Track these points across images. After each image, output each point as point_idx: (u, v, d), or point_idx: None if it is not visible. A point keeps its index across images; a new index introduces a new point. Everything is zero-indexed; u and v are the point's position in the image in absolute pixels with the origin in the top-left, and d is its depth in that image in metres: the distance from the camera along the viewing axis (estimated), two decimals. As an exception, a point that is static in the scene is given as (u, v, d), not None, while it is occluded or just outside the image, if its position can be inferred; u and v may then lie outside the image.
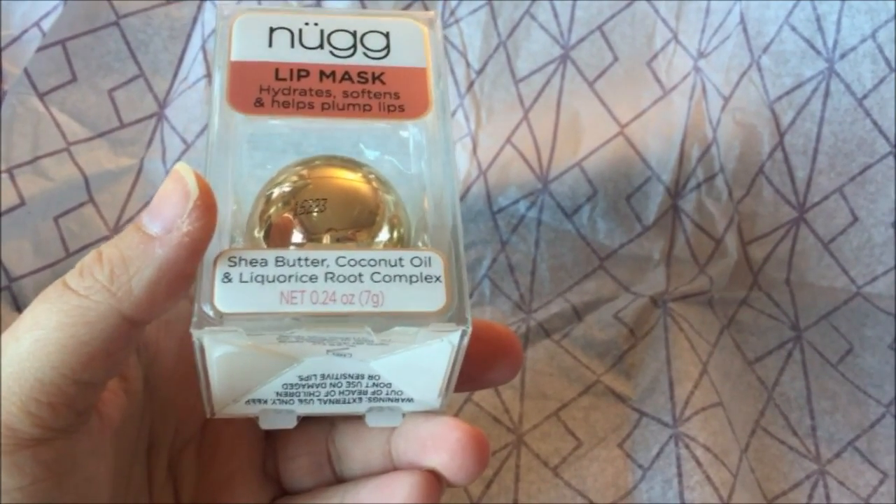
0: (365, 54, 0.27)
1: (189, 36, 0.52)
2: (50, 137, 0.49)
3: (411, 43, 0.27)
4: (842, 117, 0.50)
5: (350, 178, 0.26)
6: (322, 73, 0.26)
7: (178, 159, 0.51)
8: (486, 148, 0.52)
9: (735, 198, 0.52)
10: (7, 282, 0.46)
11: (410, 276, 0.23)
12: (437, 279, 0.23)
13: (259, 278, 0.22)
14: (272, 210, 0.25)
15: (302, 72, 0.26)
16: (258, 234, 0.25)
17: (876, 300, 0.51)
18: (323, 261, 0.23)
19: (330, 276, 0.23)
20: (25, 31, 0.50)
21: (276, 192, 0.26)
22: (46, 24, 0.50)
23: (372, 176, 0.27)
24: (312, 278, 0.22)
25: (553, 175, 0.52)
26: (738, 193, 0.52)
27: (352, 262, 0.23)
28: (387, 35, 0.27)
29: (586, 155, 0.52)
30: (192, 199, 0.22)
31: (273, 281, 0.22)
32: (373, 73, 0.26)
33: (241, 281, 0.22)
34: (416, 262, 0.23)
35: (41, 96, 0.50)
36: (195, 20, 0.52)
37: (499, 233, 0.53)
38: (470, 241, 0.53)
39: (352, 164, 0.27)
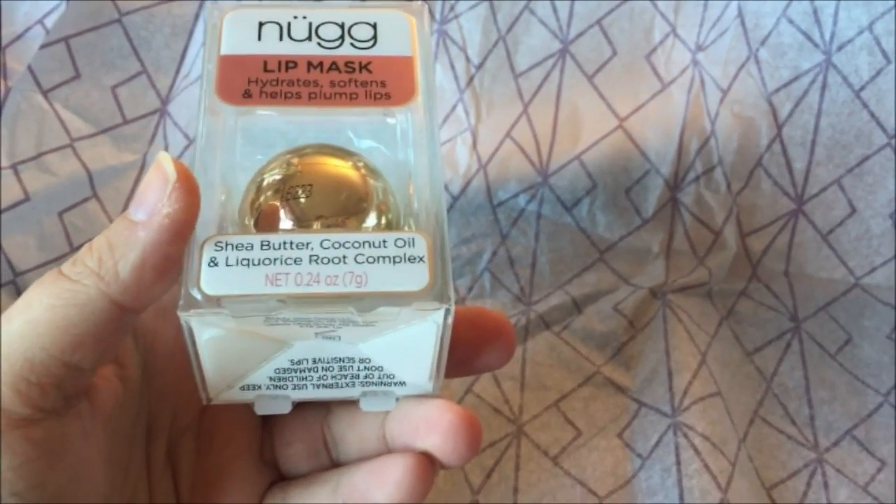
0: (352, 45, 0.27)
1: (191, 33, 0.53)
2: (54, 133, 0.50)
3: (398, 33, 0.28)
4: (839, 109, 0.50)
5: (338, 165, 0.27)
6: (310, 64, 0.27)
7: (181, 155, 0.51)
8: (485, 142, 0.53)
9: (733, 190, 0.52)
10: (12, 276, 0.47)
11: (394, 257, 0.23)
12: (421, 260, 0.23)
13: (245, 262, 0.23)
14: (262, 198, 0.26)
15: (290, 63, 0.27)
16: (248, 221, 0.26)
17: (874, 291, 0.51)
18: (307, 244, 0.23)
19: (314, 258, 0.23)
20: (29, 29, 0.50)
21: (266, 179, 0.26)
22: (50, 22, 0.50)
23: (361, 164, 0.27)
24: (297, 261, 0.23)
25: (553, 169, 0.52)
26: (736, 186, 0.52)
27: (336, 245, 0.23)
28: (374, 26, 0.28)
29: (586, 148, 0.52)
30: (171, 183, 0.23)
31: (258, 264, 0.23)
32: (360, 63, 0.27)
33: (227, 265, 0.23)
34: (400, 243, 0.23)
35: (45, 93, 0.50)
36: (197, 17, 0.53)
37: (499, 226, 0.53)
38: (470, 234, 0.53)
39: (342, 153, 0.27)
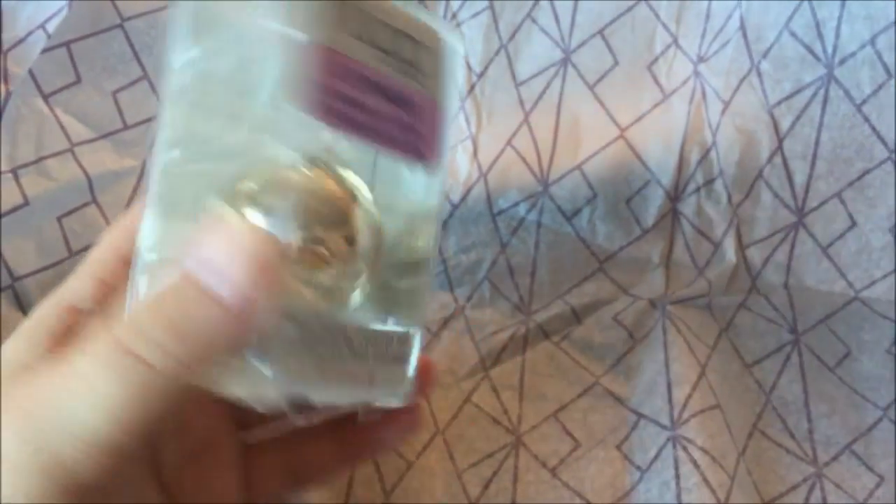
0: (407, 72, 0.27)
1: (192, 38, 0.53)
2: (54, 138, 0.50)
3: (447, 71, 0.27)
4: (840, 123, 0.50)
5: (323, 180, 0.27)
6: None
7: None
8: (486, 150, 0.53)
9: (734, 202, 0.52)
10: (10, 281, 0.47)
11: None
12: None
13: None
14: (243, 205, 0.26)
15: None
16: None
17: (874, 304, 0.52)
18: None
19: None
20: (30, 33, 0.50)
21: (248, 186, 0.26)
22: (51, 26, 0.50)
23: (349, 182, 0.27)
24: None
25: (553, 178, 0.52)
26: (737, 197, 0.52)
27: None
28: (432, 51, 0.27)
29: (586, 158, 0.52)
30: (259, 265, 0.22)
31: None
32: (406, 98, 0.27)
33: None
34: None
35: (45, 97, 0.50)
36: (199, 22, 0.52)
37: (499, 235, 0.53)
38: (470, 243, 0.53)
39: (329, 168, 0.27)
